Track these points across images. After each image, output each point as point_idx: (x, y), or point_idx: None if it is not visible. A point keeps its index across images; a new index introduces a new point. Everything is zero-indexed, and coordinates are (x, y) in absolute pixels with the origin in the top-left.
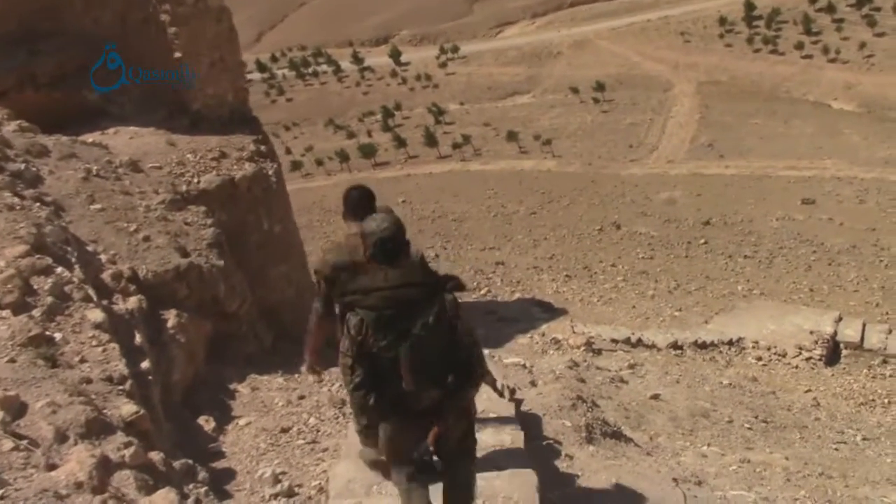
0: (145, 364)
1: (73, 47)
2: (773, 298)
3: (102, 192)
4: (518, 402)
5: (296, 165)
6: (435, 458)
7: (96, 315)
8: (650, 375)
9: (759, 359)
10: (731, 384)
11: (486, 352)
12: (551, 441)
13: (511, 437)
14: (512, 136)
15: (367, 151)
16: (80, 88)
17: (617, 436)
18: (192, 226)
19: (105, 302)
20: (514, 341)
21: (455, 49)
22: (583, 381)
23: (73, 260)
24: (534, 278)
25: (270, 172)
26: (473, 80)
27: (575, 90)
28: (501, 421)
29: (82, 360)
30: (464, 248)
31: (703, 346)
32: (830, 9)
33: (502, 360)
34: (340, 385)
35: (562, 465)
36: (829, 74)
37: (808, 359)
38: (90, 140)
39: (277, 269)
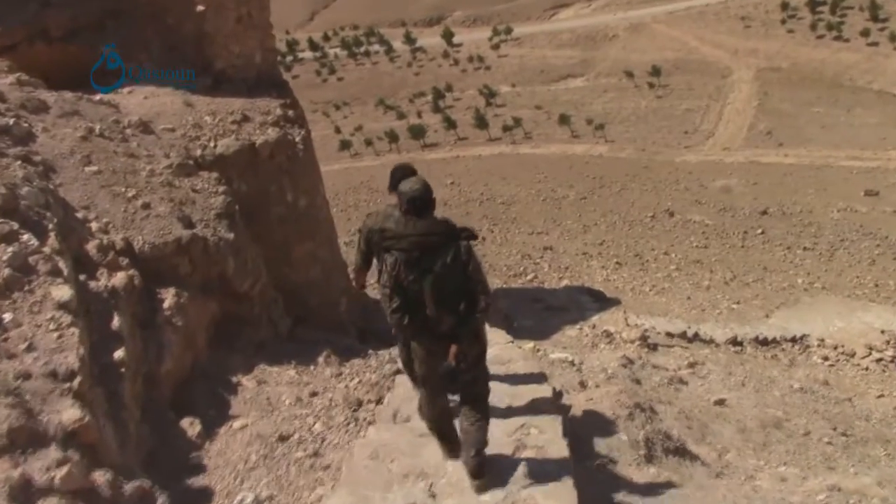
0: (119, 353)
1: (89, 1)
2: (836, 293)
3: (102, 153)
4: (565, 410)
5: (345, 145)
6: (454, 368)
7: (62, 293)
8: (712, 376)
9: (826, 358)
10: (801, 388)
11: (530, 344)
12: (604, 459)
13: (557, 458)
14: (564, 119)
15: (417, 132)
16: (97, 43)
17: (681, 452)
18: (200, 193)
19: (83, 277)
20: (562, 333)
21: (508, 31)
22: (638, 381)
23: (51, 227)
24: (583, 265)
25: (297, 139)
26: (526, 62)
27: (630, 74)
28: (547, 436)
29: (29, 349)
30: (511, 232)
31: (764, 342)
32: None
33: (547, 355)
34: (359, 381)
35: (617, 495)
36: None
37: (878, 360)
38: (99, 98)
39: (302, 247)
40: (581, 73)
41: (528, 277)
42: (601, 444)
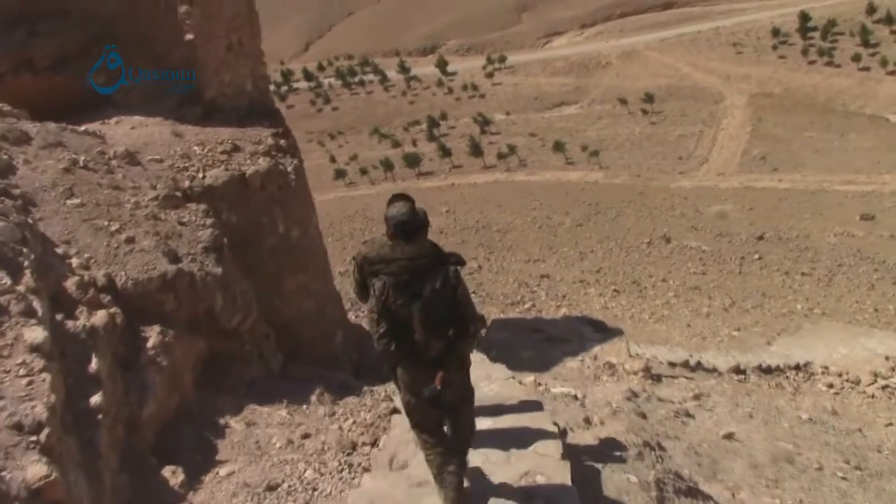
0: (96, 398)
1: (75, 29)
2: (837, 319)
3: (85, 185)
4: (572, 450)
5: (340, 174)
6: (439, 392)
7: (35, 334)
8: (719, 408)
9: (831, 386)
10: (810, 419)
11: (531, 377)
12: None
13: None
14: (558, 146)
15: (412, 161)
16: (83, 74)
17: (693, 493)
18: (186, 226)
19: (60, 316)
20: (563, 365)
21: (502, 59)
22: (643, 415)
23: (26, 264)
24: (580, 292)
25: (289, 169)
26: (520, 90)
27: (623, 101)
28: (555, 484)
29: None
30: (507, 260)
31: (767, 370)
32: (889, 20)
33: (549, 389)
34: (353, 422)
35: None
36: (887, 87)
37: (884, 387)
38: (84, 129)
39: (294, 279)
40: (575, 101)
41: (526, 306)
42: (610, 487)
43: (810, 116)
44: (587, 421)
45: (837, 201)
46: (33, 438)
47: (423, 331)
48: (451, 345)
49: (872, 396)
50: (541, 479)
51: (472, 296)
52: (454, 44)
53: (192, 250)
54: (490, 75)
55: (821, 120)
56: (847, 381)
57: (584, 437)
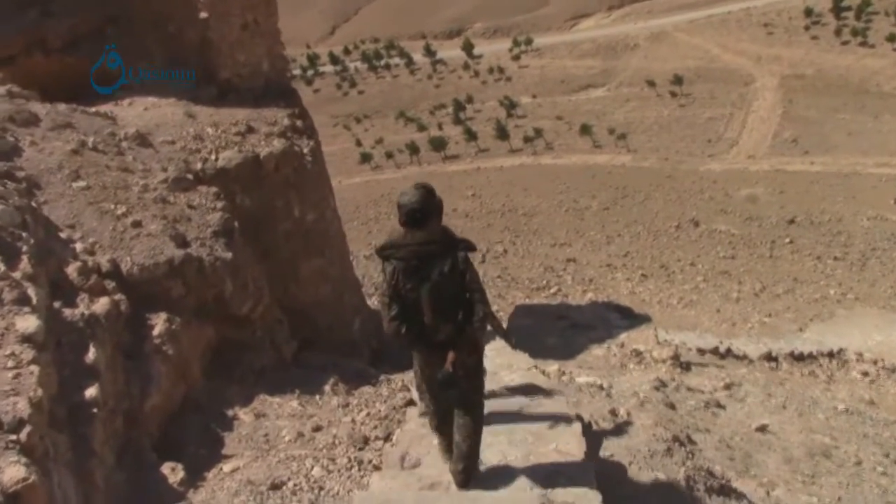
0: (91, 391)
1: (89, 9)
2: (871, 304)
3: (93, 167)
4: (596, 443)
5: (365, 158)
6: (452, 374)
7: (28, 323)
8: (751, 398)
9: (866, 374)
10: (847, 410)
11: (555, 366)
12: None
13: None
14: (585, 129)
15: (438, 144)
16: (96, 54)
17: (725, 492)
18: (196, 209)
19: (58, 304)
20: (588, 352)
21: (529, 42)
22: (672, 406)
23: (25, 249)
24: (607, 277)
25: (305, 151)
26: (547, 73)
27: (651, 83)
28: (577, 491)
29: None
30: (533, 244)
31: (800, 358)
32: None
33: (574, 379)
34: (367, 414)
35: None
36: None
37: None
38: (95, 110)
39: (310, 264)
40: (602, 83)
41: (552, 291)
42: (637, 487)
43: (843, 98)
44: (613, 413)
45: (871, 184)
46: (13, 437)
47: (431, 314)
48: (460, 328)
49: None
50: (563, 482)
51: (498, 280)
52: (480, 27)
53: (201, 234)
54: (516, 58)
55: (854, 101)
56: (883, 368)
57: (611, 432)
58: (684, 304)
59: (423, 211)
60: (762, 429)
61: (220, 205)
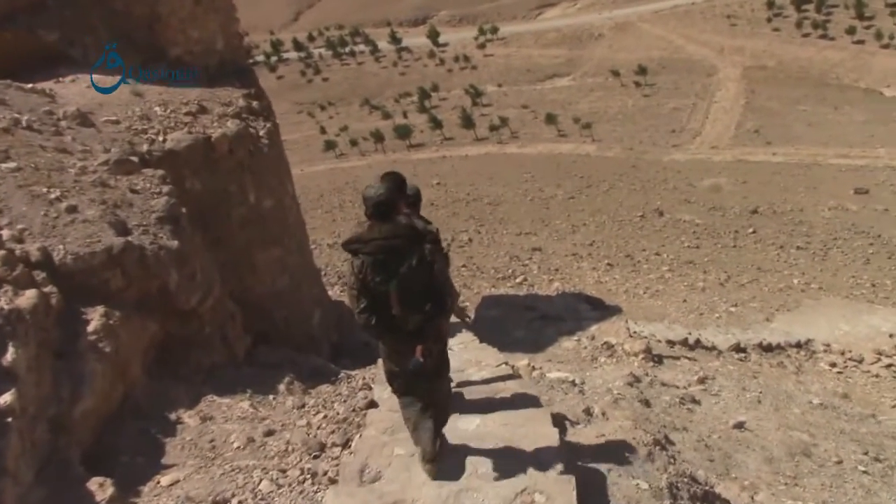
0: (7, 397)
1: None
2: (834, 294)
3: (25, 147)
4: (571, 448)
5: (330, 145)
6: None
7: None
8: (725, 393)
9: (833, 365)
10: (822, 404)
11: (525, 360)
12: None
13: None
14: (550, 119)
15: (403, 132)
16: (35, 28)
17: (710, 499)
18: (139, 194)
19: None
20: (558, 345)
21: (494, 30)
22: (647, 403)
23: None
24: (573, 266)
25: (262, 133)
26: (512, 62)
27: (616, 73)
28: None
29: None
30: (499, 233)
31: (768, 348)
32: None
33: (545, 375)
34: (324, 417)
35: None
36: (882, 61)
37: (888, 366)
38: (31, 87)
39: (267, 253)
40: (567, 73)
41: (518, 280)
42: (618, 496)
43: (804, 89)
44: (588, 413)
45: (831, 175)
46: None
47: (399, 306)
48: (428, 317)
49: (877, 376)
50: (540, 500)
51: (463, 269)
52: (446, 14)
53: (144, 221)
54: (482, 46)
55: (815, 93)
56: (850, 359)
57: (586, 435)
58: (651, 293)
59: (388, 203)
60: (740, 426)
61: (165, 189)
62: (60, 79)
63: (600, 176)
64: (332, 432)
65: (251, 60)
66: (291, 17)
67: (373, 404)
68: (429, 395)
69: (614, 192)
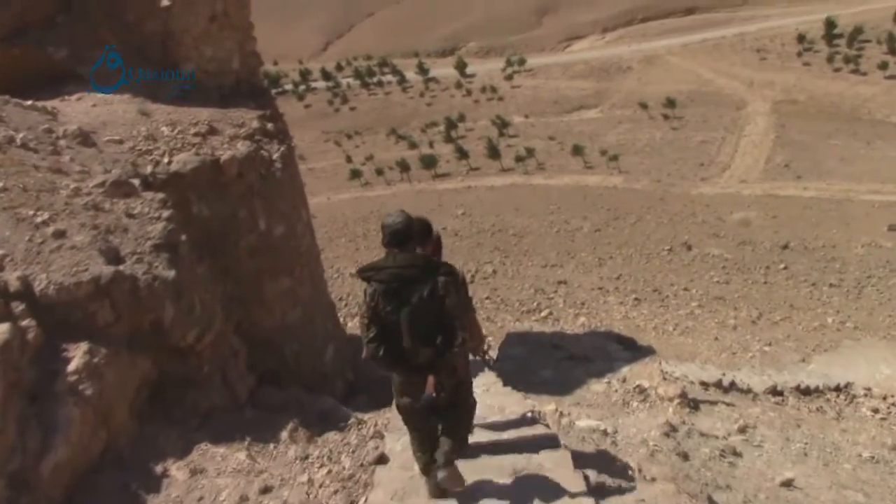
0: None
1: None
2: (870, 334)
3: (17, 167)
4: None
5: (355, 174)
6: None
7: None
8: (768, 444)
9: (876, 411)
10: (872, 458)
11: (552, 405)
12: None
13: None
14: (577, 150)
15: (429, 162)
16: (45, 45)
17: None
18: (135, 218)
19: None
20: (587, 387)
21: (522, 62)
22: (686, 456)
23: None
24: (599, 300)
25: (275, 156)
26: (539, 93)
27: (644, 106)
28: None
29: None
30: (524, 265)
31: (806, 392)
32: None
33: (574, 424)
34: (328, 472)
35: None
36: None
37: None
38: (31, 104)
39: (277, 284)
40: (595, 105)
41: (543, 314)
42: None
43: (836, 124)
44: (623, 469)
45: (864, 211)
46: None
47: (409, 338)
48: (439, 351)
49: None
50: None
51: (487, 301)
52: (474, 46)
53: (138, 248)
54: (509, 78)
55: (846, 128)
56: (893, 404)
57: (624, 502)
58: (680, 330)
59: (404, 233)
60: (788, 484)
61: (165, 214)
62: (66, 97)
63: (627, 208)
64: (336, 492)
65: (279, 89)
66: (321, 47)
67: (383, 458)
68: (446, 430)
69: (641, 224)
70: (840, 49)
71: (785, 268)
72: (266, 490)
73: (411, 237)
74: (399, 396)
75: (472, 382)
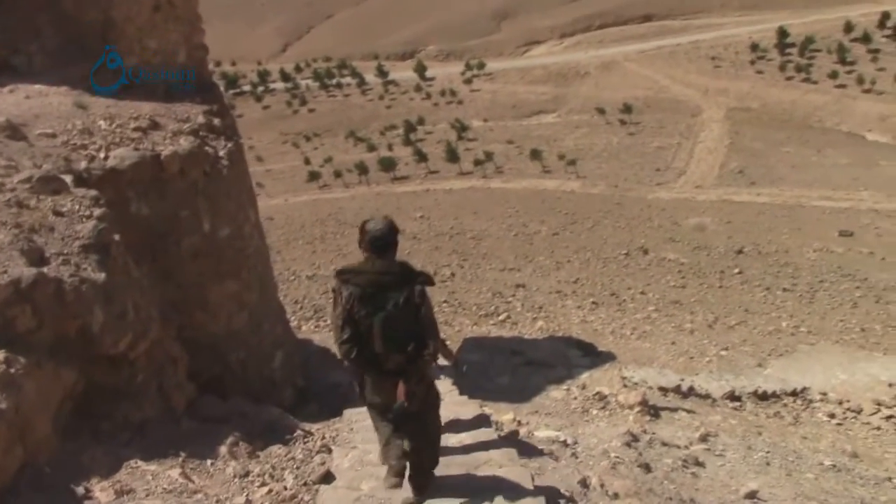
0: None
1: None
2: (823, 338)
3: None
4: None
5: (314, 176)
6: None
7: None
8: (730, 452)
9: (832, 416)
10: (834, 466)
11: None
12: None
13: None
14: (535, 154)
15: (387, 165)
16: None
17: None
18: (63, 217)
19: None
20: (546, 394)
21: (481, 66)
22: (648, 468)
23: None
24: (557, 304)
25: (221, 153)
26: (498, 97)
27: (601, 111)
28: None
29: None
30: (482, 268)
31: (763, 396)
32: (866, 38)
33: (532, 433)
34: (268, 491)
35: None
36: (864, 105)
37: (888, 417)
38: None
39: (222, 288)
40: (553, 109)
41: (500, 318)
42: None
43: (788, 132)
44: (584, 485)
45: (815, 217)
46: None
47: (382, 343)
48: (410, 358)
49: (878, 428)
50: None
51: (444, 305)
52: (433, 49)
53: (65, 249)
54: (468, 81)
55: (798, 135)
56: (849, 409)
57: None
58: (638, 335)
59: (385, 239)
60: (752, 496)
61: (97, 212)
62: None
63: (585, 213)
64: None
65: (238, 90)
66: (280, 49)
67: (328, 477)
68: (416, 433)
69: (599, 228)
70: (792, 58)
71: (739, 272)
72: None
73: (392, 244)
74: (370, 395)
75: (439, 395)
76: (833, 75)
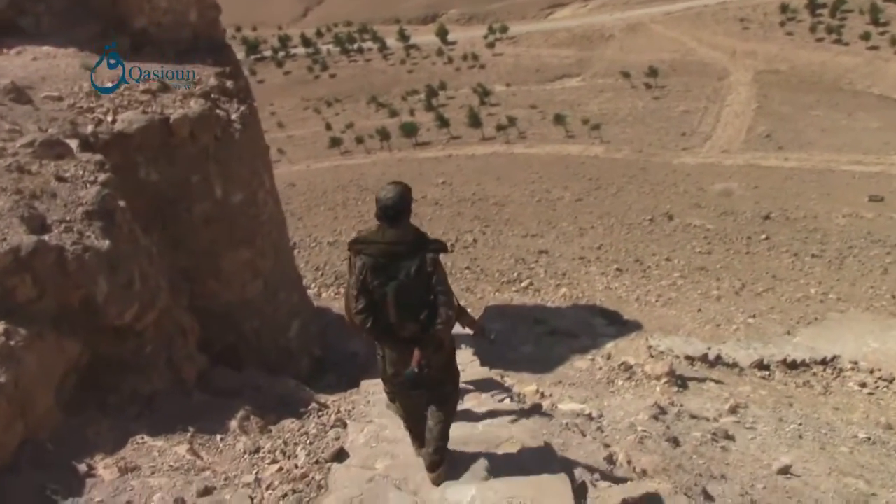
0: None
1: None
2: (853, 305)
3: None
4: None
5: (335, 142)
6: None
7: None
8: (761, 425)
9: (864, 385)
10: (869, 438)
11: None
12: None
13: None
14: (559, 119)
15: (409, 130)
16: None
17: None
18: (67, 182)
19: None
20: (570, 364)
21: (504, 29)
22: (676, 442)
23: None
24: (581, 271)
25: (234, 117)
26: (521, 61)
27: (626, 75)
28: None
29: None
30: (504, 234)
31: (793, 365)
32: None
33: (556, 406)
34: (279, 468)
35: None
36: None
37: None
38: None
39: (235, 255)
40: (577, 73)
41: (523, 284)
42: None
43: (817, 95)
44: (610, 461)
45: (845, 181)
46: None
47: (396, 312)
48: (424, 327)
49: None
50: None
51: (466, 271)
52: (455, 13)
53: (68, 216)
54: (491, 45)
55: (828, 98)
56: (881, 378)
57: (611, 496)
58: (663, 302)
59: (396, 208)
60: (785, 471)
61: (102, 177)
62: (5, 50)
63: (609, 178)
64: (284, 496)
65: (258, 55)
66: (300, 13)
67: (342, 454)
68: (435, 403)
69: (623, 194)
70: (823, 19)
71: (767, 238)
72: (206, 492)
73: (403, 211)
74: (387, 366)
75: (458, 371)
76: (865, 36)
